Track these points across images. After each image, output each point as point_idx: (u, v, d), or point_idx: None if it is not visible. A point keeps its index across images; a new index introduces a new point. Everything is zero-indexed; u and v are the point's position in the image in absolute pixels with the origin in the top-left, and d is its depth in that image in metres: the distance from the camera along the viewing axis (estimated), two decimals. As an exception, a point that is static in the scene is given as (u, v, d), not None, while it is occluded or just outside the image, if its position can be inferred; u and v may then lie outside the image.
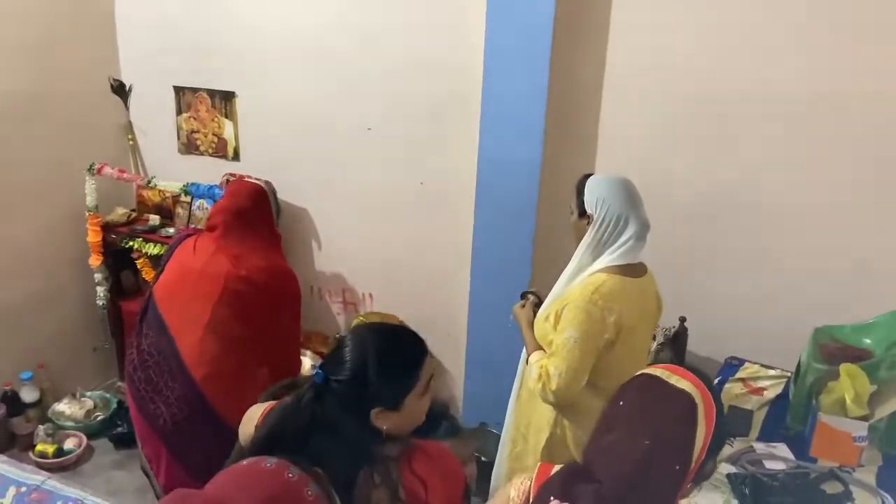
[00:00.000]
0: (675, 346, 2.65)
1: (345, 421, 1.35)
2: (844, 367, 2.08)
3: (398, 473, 1.36)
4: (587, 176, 2.03)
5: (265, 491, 1.11)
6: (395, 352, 1.43)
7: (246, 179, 2.53)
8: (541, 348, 2.00)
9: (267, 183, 2.70)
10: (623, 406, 1.29)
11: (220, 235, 2.39)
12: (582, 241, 1.99)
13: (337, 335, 3.39)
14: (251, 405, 1.62)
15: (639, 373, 1.33)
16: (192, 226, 3.44)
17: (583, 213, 1.99)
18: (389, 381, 1.39)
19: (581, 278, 1.97)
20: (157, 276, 2.49)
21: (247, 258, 2.36)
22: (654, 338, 2.56)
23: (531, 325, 2.08)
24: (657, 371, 1.29)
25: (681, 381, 1.25)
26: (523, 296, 2.24)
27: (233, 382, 2.32)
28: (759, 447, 2.11)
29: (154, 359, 2.39)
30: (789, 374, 2.42)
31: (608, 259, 1.94)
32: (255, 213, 2.47)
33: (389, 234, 3.25)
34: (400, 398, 1.40)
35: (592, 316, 1.87)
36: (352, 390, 1.37)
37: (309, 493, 1.13)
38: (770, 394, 2.42)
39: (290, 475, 1.13)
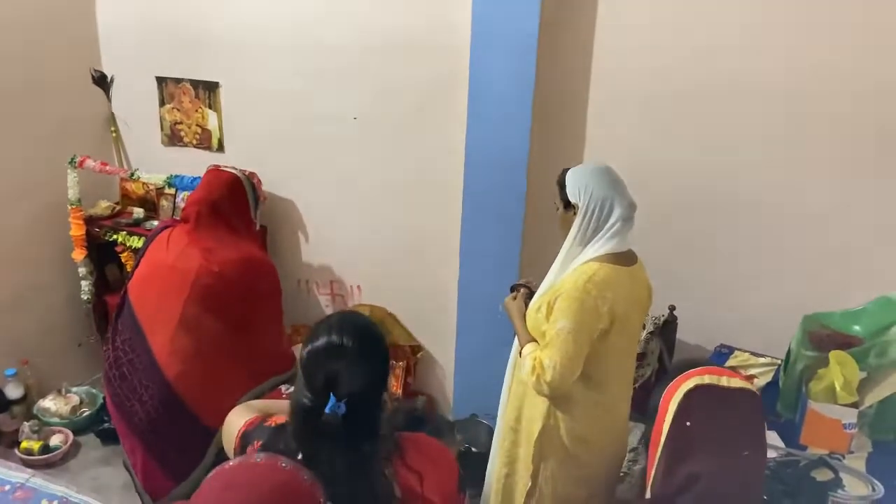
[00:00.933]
0: (664, 335, 2.64)
1: (365, 428, 1.33)
2: (834, 354, 2.09)
3: (392, 470, 1.34)
4: (566, 170, 2.03)
5: (266, 483, 1.08)
6: (367, 331, 1.40)
7: (221, 169, 2.46)
8: (533, 340, 1.99)
9: (246, 173, 2.62)
10: (693, 427, 1.25)
11: (193, 228, 2.34)
12: (570, 232, 1.98)
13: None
14: (227, 403, 1.59)
15: (685, 388, 1.29)
16: (176, 218, 3.40)
17: (568, 205, 1.99)
18: (382, 358, 1.40)
19: (572, 268, 1.95)
20: (132, 271, 2.45)
21: (220, 251, 2.30)
22: (643, 326, 2.56)
23: (523, 316, 2.06)
24: (705, 379, 1.25)
25: (731, 379, 1.22)
26: (514, 288, 2.22)
27: (208, 380, 2.28)
28: (750, 435, 2.11)
29: (128, 356, 2.35)
30: (779, 361, 2.42)
31: (599, 247, 1.93)
32: (230, 204, 2.42)
33: (377, 225, 3.22)
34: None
35: (586, 305, 1.86)
36: (368, 390, 1.34)
37: (306, 478, 1.11)
38: (760, 381, 2.42)
39: (284, 465, 1.11)
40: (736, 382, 1.22)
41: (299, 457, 1.30)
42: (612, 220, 1.92)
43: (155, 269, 2.33)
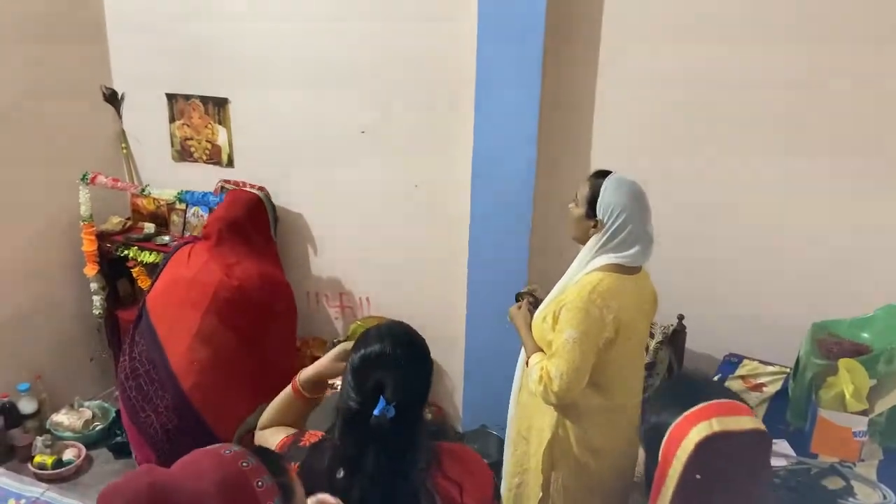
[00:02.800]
0: (673, 345, 2.64)
1: (409, 434, 1.35)
2: (843, 362, 2.08)
3: (431, 480, 1.36)
4: (602, 173, 1.98)
5: (216, 475, 1.08)
6: (417, 342, 1.44)
7: (243, 189, 2.53)
8: (540, 350, 1.99)
9: (263, 191, 2.69)
10: (703, 479, 1.23)
11: (215, 244, 2.39)
12: (587, 246, 1.98)
13: (335, 340, 3.37)
14: (238, 415, 1.61)
15: (695, 439, 1.26)
16: (188, 233, 3.43)
17: (591, 213, 1.96)
18: (429, 369, 1.44)
19: (577, 278, 1.96)
20: (152, 284, 2.48)
21: (239, 266, 2.35)
22: (652, 336, 2.56)
23: (529, 326, 2.07)
24: (714, 426, 1.22)
25: (740, 419, 1.20)
26: (518, 297, 2.23)
27: (222, 393, 2.30)
28: (760, 444, 2.11)
29: (144, 367, 2.38)
30: (788, 369, 2.42)
31: (606, 258, 1.94)
32: (251, 223, 2.48)
33: (385, 238, 3.24)
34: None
35: (591, 315, 1.87)
36: (415, 398, 1.38)
37: (259, 483, 1.10)
38: (770, 390, 2.42)
39: (245, 464, 1.10)
40: (746, 423, 1.19)
41: (340, 474, 1.33)
42: (630, 251, 1.93)
43: (175, 283, 2.37)
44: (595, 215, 1.94)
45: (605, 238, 1.93)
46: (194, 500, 1.04)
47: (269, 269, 2.45)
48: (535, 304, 2.14)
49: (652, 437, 1.45)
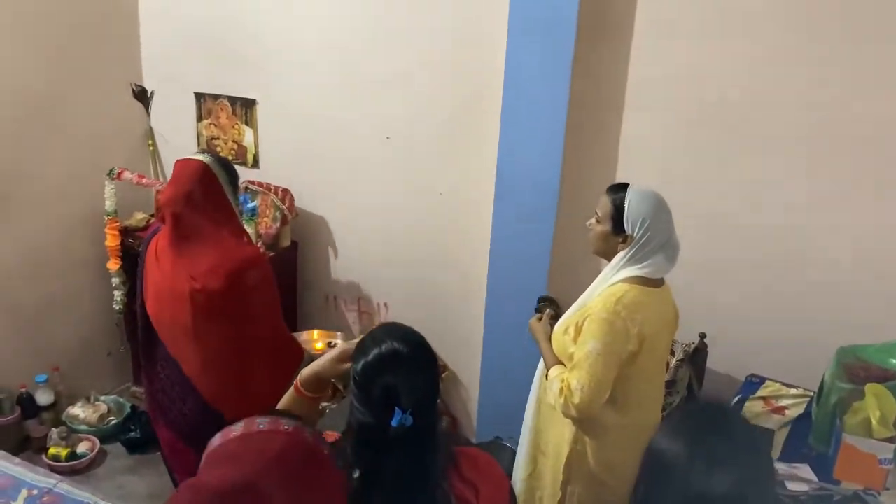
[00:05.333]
0: (694, 363, 2.60)
1: (428, 436, 1.32)
2: (870, 387, 2.04)
3: (448, 482, 1.33)
4: (620, 186, 1.96)
5: (271, 450, 1.07)
6: (414, 338, 1.38)
7: (187, 159, 2.35)
8: (560, 362, 1.97)
9: (212, 155, 2.48)
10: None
11: (173, 236, 2.24)
12: (614, 260, 1.95)
13: (330, 342, 3.28)
14: (253, 393, 1.59)
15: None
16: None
17: (618, 228, 1.93)
18: (434, 362, 1.39)
19: (601, 289, 1.94)
20: (140, 287, 2.42)
21: (197, 262, 2.21)
22: (672, 353, 2.52)
23: (548, 338, 2.05)
24: None
25: None
26: (540, 301, 2.20)
27: (241, 388, 2.29)
28: (782, 468, 2.06)
29: (165, 371, 2.37)
30: (811, 393, 2.37)
31: (630, 271, 1.91)
32: (204, 196, 2.22)
33: (406, 244, 3.23)
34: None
35: (615, 327, 1.84)
36: (428, 397, 1.34)
37: (308, 435, 1.10)
38: (792, 413, 2.37)
39: (286, 426, 1.09)
40: None
41: (356, 473, 1.28)
42: (654, 259, 1.91)
43: (158, 293, 2.32)
44: (622, 230, 1.92)
45: (633, 251, 1.91)
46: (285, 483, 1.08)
47: (228, 250, 2.27)
48: (555, 316, 2.12)
49: (653, 462, 1.40)
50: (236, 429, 1.17)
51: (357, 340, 1.46)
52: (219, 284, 2.21)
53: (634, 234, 1.90)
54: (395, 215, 3.21)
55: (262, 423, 1.14)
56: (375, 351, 1.32)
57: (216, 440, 1.20)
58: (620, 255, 1.93)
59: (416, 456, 1.29)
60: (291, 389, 1.62)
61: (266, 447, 1.11)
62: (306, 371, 1.58)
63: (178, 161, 2.33)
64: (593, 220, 2.00)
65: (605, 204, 1.96)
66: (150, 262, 2.35)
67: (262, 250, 3.09)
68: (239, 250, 2.30)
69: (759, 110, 2.46)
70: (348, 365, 1.41)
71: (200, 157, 2.31)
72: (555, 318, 2.12)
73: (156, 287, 2.32)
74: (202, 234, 2.26)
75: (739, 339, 2.64)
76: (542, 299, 2.21)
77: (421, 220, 3.16)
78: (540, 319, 2.14)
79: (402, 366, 1.30)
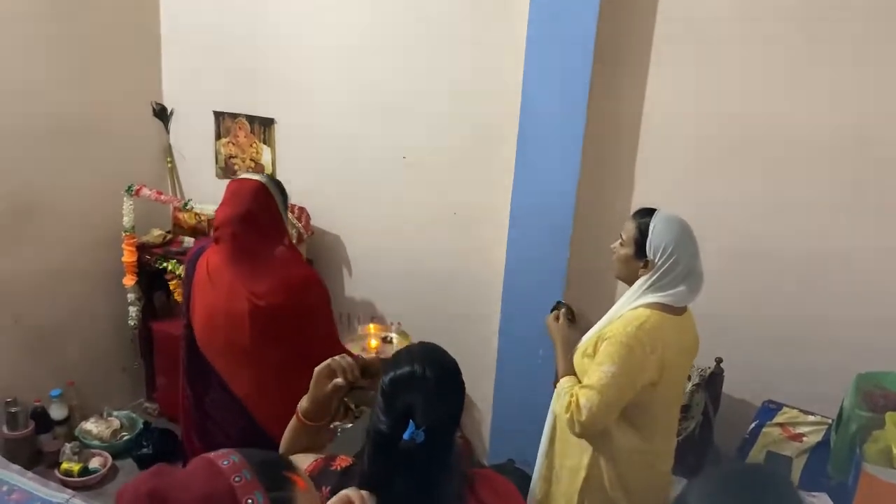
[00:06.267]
0: (710, 388, 2.58)
1: (440, 459, 1.32)
2: (891, 416, 2.01)
3: None
4: (647, 211, 1.95)
5: (204, 489, 1.05)
6: (447, 364, 1.40)
7: (243, 178, 2.36)
8: (572, 373, 1.96)
9: (268, 176, 2.52)
10: None
11: (230, 254, 2.23)
12: (634, 286, 1.94)
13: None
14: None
15: None
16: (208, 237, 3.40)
17: (640, 253, 1.91)
18: (461, 392, 1.39)
19: (621, 313, 1.93)
20: (186, 304, 2.41)
21: (260, 279, 2.21)
22: (688, 378, 2.50)
23: (566, 342, 2.03)
24: None
25: None
26: (556, 306, 2.17)
27: (287, 406, 2.27)
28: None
29: (209, 396, 2.35)
30: (830, 420, 2.34)
31: (653, 297, 1.90)
32: (261, 215, 2.24)
33: (420, 263, 3.23)
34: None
35: (634, 353, 1.82)
36: (446, 422, 1.34)
37: (249, 501, 1.07)
38: (810, 440, 2.34)
39: (238, 479, 1.07)
40: None
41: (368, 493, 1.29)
42: (679, 288, 1.90)
43: (211, 316, 2.28)
44: (644, 255, 1.90)
45: (654, 278, 1.89)
46: None
47: (289, 267, 2.29)
48: (572, 315, 2.10)
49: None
50: (210, 455, 1.15)
51: (338, 357, 1.57)
52: (282, 302, 2.21)
53: (656, 260, 1.88)
54: (410, 234, 3.22)
55: (228, 461, 1.12)
56: (406, 368, 1.34)
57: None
58: (641, 280, 1.92)
59: (427, 477, 1.30)
60: (294, 418, 1.61)
61: (201, 484, 1.08)
62: (304, 400, 1.59)
63: (233, 181, 2.35)
64: (617, 244, 1.99)
65: (629, 228, 1.95)
66: (200, 281, 2.32)
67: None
68: (298, 269, 2.32)
69: (779, 133, 2.46)
70: (339, 380, 1.48)
71: (256, 177, 2.33)
72: (571, 318, 2.10)
73: (208, 308, 2.29)
74: (259, 253, 2.26)
75: (756, 363, 2.61)
76: (558, 303, 2.18)
77: (435, 240, 3.16)
78: (557, 319, 2.11)
79: (425, 389, 1.32)
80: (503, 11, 2.74)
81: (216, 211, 2.31)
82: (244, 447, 1.14)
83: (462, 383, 1.40)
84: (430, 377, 1.33)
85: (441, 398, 1.33)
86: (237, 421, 2.31)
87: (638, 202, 2.70)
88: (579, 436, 1.90)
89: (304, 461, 1.52)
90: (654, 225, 1.89)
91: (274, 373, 2.25)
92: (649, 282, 1.90)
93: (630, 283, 1.97)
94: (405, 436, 1.27)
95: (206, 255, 2.35)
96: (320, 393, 1.57)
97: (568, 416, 1.85)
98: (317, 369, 1.57)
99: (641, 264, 1.92)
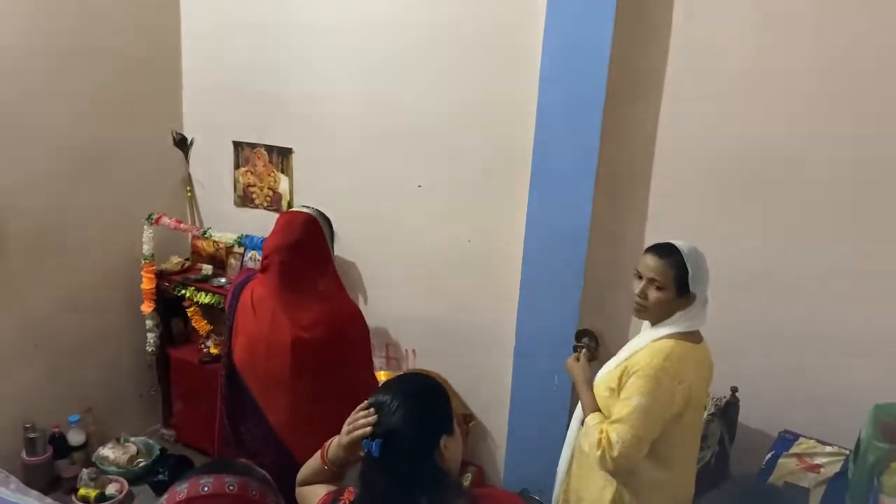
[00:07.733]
0: (725, 418, 2.56)
1: (418, 469, 1.35)
2: (908, 447, 1.99)
3: None
4: (667, 247, 1.94)
5: None
6: (412, 379, 1.53)
7: (294, 211, 2.41)
8: (598, 409, 1.96)
9: (317, 210, 2.58)
10: None
11: (277, 284, 2.27)
12: (673, 316, 1.93)
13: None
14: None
15: None
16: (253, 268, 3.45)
17: (683, 290, 1.90)
18: (443, 401, 1.44)
19: (643, 344, 1.93)
20: (227, 335, 2.41)
21: (305, 310, 2.25)
22: (704, 407, 2.49)
23: (588, 382, 2.03)
24: None
25: None
26: (577, 339, 2.18)
27: (320, 437, 2.29)
28: (818, 528, 2.02)
29: (246, 425, 2.37)
30: (847, 451, 2.32)
31: (675, 327, 1.91)
32: (309, 246, 2.31)
33: (435, 291, 3.26)
34: (451, 415, 1.44)
35: (662, 384, 1.83)
36: (413, 431, 1.37)
37: (253, 492, 1.08)
38: (827, 471, 2.32)
39: (230, 487, 1.09)
40: None
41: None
42: (701, 314, 1.94)
43: (252, 343, 2.30)
44: (687, 291, 1.91)
45: (693, 309, 1.92)
46: None
47: (333, 300, 2.33)
48: (592, 356, 2.11)
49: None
50: (181, 491, 1.15)
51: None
52: (325, 335, 2.24)
53: (698, 291, 1.91)
54: (425, 262, 3.25)
55: (206, 484, 1.13)
56: (379, 395, 1.43)
57: (163, 502, 1.18)
58: (680, 313, 1.92)
59: (404, 491, 1.33)
60: (318, 456, 1.62)
61: None
62: (334, 445, 1.56)
63: (284, 213, 2.43)
64: (653, 289, 1.92)
65: (662, 270, 1.90)
66: (244, 310, 2.36)
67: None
68: (343, 304, 2.36)
69: (793, 168, 2.47)
70: (359, 432, 1.42)
71: (306, 209, 2.40)
72: (592, 358, 2.11)
73: (250, 337, 2.32)
74: (304, 283, 2.30)
75: (772, 393, 2.60)
76: (580, 334, 2.18)
77: (450, 268, 3.19)
78: (577, 359, 2.11)
79: (387, 412, 1.39)
80: (519, 49, 2.78)
81: (265, 241, 2.37)
82: (277, 479, 1.17)
83: (433, 397, 1.44)
84: (390, 405, 1.40)
85: (399, 408, 1.37)
86: (270, 451, 2.32)
87: (653, 234, 2.72)
88: (612, 472, 1.90)
89: (315, 493, 1.54)
90: (690, 259, 1.90)
91: (309, 404, 2.26)
92: (691, 313, 1.92)
93: (662, 321, 1.95)
94: (363, 444, 1.35)
95: (251, 284, 2.39)
96: (351, 454, 1.52)
97: (599, 452, 1.84)
98: (357, 433, 1.44)
99: (683, 301, 1.92)
